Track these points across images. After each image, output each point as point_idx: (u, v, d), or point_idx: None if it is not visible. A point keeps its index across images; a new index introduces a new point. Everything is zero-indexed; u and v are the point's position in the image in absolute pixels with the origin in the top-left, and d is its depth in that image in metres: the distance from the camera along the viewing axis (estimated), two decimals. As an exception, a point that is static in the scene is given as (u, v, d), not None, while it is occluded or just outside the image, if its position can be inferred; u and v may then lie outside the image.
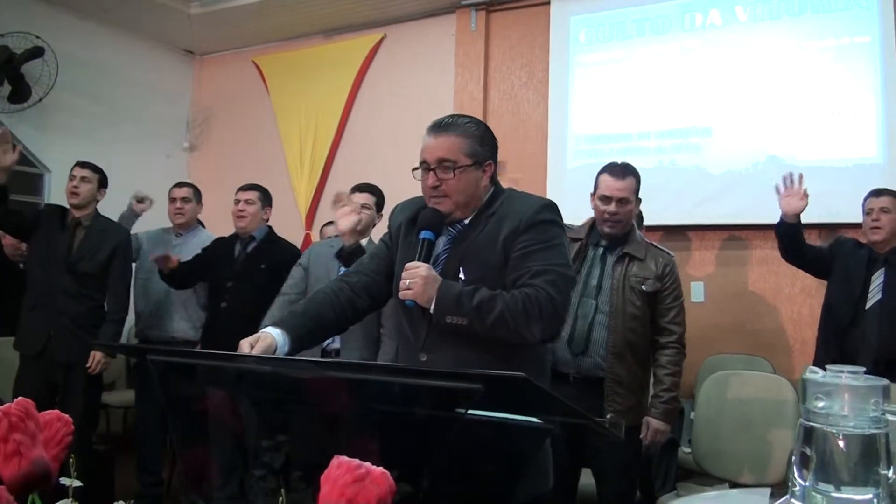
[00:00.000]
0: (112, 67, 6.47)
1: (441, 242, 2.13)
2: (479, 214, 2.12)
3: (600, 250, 3.15)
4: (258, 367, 1.67)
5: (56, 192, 5.27)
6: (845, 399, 1.08)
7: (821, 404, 1.09)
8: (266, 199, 4.32)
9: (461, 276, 2.04)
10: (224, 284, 4.19)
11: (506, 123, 5.66)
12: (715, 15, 4.89)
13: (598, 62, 5.24)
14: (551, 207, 2.11)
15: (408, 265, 1.99)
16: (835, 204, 4.31)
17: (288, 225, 6.27)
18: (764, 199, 4.50)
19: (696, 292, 4.91)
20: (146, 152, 6.73)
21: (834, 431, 1.08)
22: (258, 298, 4.05)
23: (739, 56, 4.78)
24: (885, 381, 1.10)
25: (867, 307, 3.70)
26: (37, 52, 5.53)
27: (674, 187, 4.89)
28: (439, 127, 2.08)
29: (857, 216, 4.41)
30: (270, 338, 1.92)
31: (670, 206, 4.89)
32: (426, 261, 2.01)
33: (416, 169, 2.11)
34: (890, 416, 1.08)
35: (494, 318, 1.92)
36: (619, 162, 3.25)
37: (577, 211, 4.41)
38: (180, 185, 4.65)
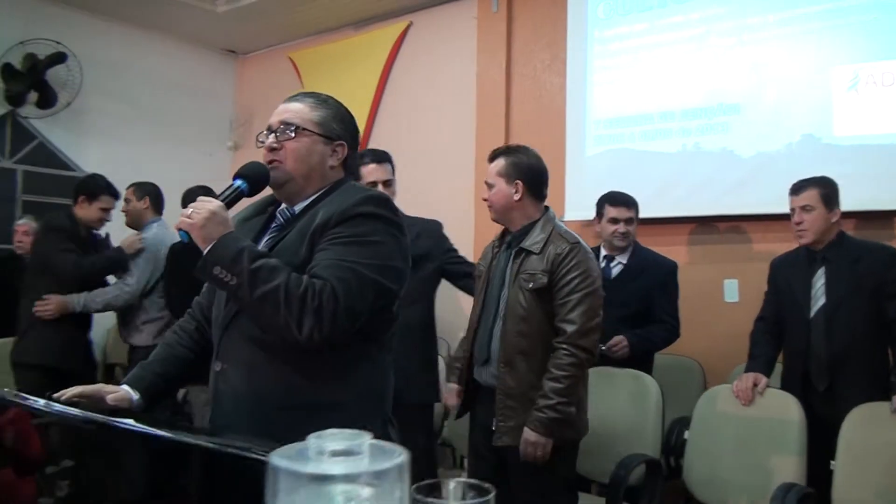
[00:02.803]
0: (146, 69, 6.45)
1: (266, 234, 1.90)
2: (310, 205, 1.86)
3: (505, 248, 2.86)
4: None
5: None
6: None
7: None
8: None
9: None
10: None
11: (528, 110, 5.24)
12: (744, -24, 4.30)
13: (617, 37, 4.72)
14: (377, 200, 1.80)
15: (201, 198, 1.74)
16: (877, 188, 3.68)
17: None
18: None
19: (729, 291, 4.33)
20: (188, 152, 6.69)
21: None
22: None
23: (769, 22, 4.16)
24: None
25: (811, 316, 3.17)
26: (59, 58, 5.54)
27: (700, 173, 4.34)
28: (294, 96, 1.94)
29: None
30: (122, 392, 1.85)
31: (696, 194, 4.35)
32: (227, 206, 1.76)
33: (261, 134, 1.90)
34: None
35: (266, 292, 1.62)
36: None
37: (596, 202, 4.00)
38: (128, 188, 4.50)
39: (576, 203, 4.72)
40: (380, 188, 3.25)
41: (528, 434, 2.62)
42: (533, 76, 5.27)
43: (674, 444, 3.62)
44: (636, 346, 3.63)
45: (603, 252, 3.83)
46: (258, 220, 1.95)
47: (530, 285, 2.70)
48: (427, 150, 5.66)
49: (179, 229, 1.71)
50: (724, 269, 4.37)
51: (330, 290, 1.63)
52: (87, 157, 6.12)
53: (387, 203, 1.82)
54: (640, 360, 3.68)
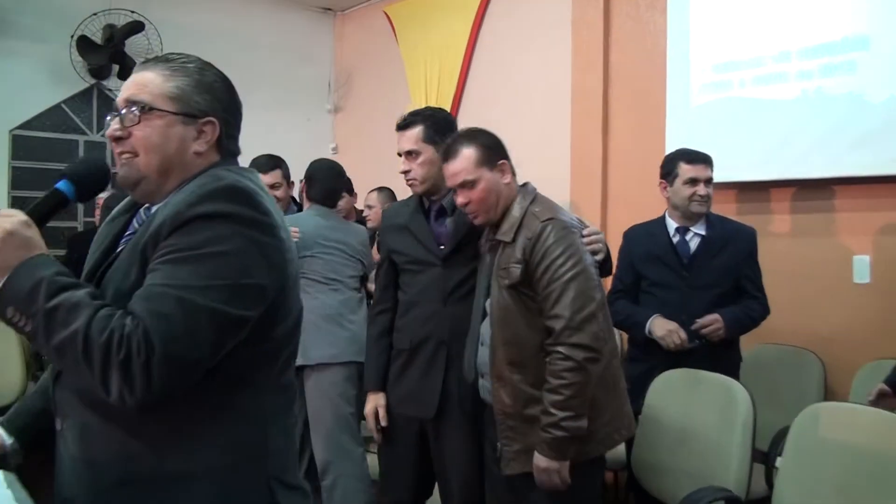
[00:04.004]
0: (235, 33, 6.20)
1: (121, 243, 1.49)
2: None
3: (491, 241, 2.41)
4: None
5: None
6: None
7: None
8: (287, 174, 3.76)
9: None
10: None
11: (629, 56, 4.57)
12: None
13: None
14: (224, 194, 1.34)
15: (2, 211, 1.34)
16: None
17: (417, 188, 5.71)
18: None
19: (859, 270, 3.55)
20: (285, 118, 6.43)
21: None
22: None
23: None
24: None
25: None
26: (136, 28, 5.40)
27: (822, 125, 3.56)
28: (145, 62, 1.51)
29: None
30: None
31: (818, 150, 3.59)
32: (39, 220, 1.35)
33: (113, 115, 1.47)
34: None
35: (63, 340, 1.22)
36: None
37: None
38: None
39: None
40: (403, 162, 2.67)
41: (538, 460, 2.20)
42: (635, 16, 4.57)
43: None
44: (733, 326, 3.05)
45: (672, 224, 3.22)
46: (122, 220, 1.55)
47: (506, 282, 2.26)
48: (521, 102, 5.14)
49: None
50: (854, 242, 3.59)
51: (142, 335, 1.20)
52: (177, 127, 6.00)
53: (239, 195, 1.34)
54: (727, 344, 3.12)
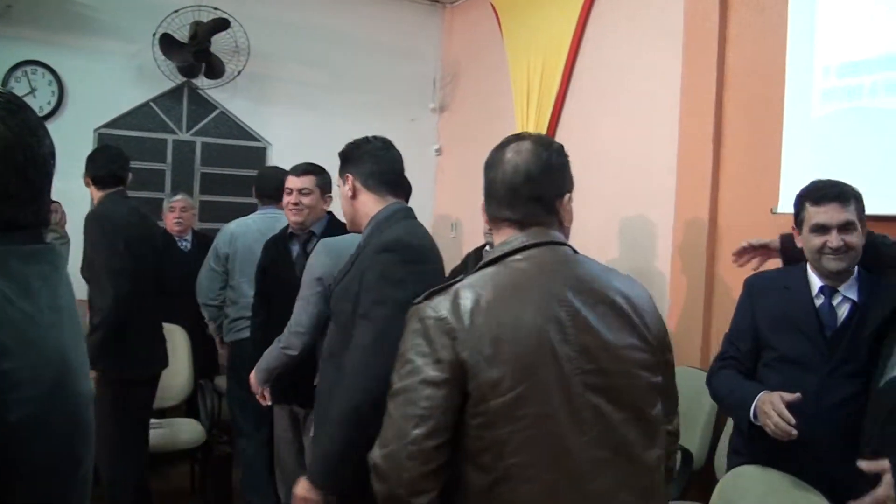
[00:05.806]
0: (331, 29, 5.91)
1: None
2: None
3: None
4: None
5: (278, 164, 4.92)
6: None
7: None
8: (326, 184, 3.43)
9: None
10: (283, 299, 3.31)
11: (747, 53, 3.81)
12: None
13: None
14: None
15: None
16: None
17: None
18: None
19: None
20: (386, 118, 6.02)
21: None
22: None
23: None
24: None
25: None
26: (220, 25, 5.15)
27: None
28: None
29: None
30: None
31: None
32: None
33: None
34: None
35: None
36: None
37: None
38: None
39: (795, 188, 3.28)
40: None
41: None
42: (756, 5, 3.80)
43: None
44: None
45: (816, 281, 2.40)
46: None
47: None
48: (626, 103, 4.52)
49: None
50: None
51: None
52: (269, 128, 5.83)
53: None
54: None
